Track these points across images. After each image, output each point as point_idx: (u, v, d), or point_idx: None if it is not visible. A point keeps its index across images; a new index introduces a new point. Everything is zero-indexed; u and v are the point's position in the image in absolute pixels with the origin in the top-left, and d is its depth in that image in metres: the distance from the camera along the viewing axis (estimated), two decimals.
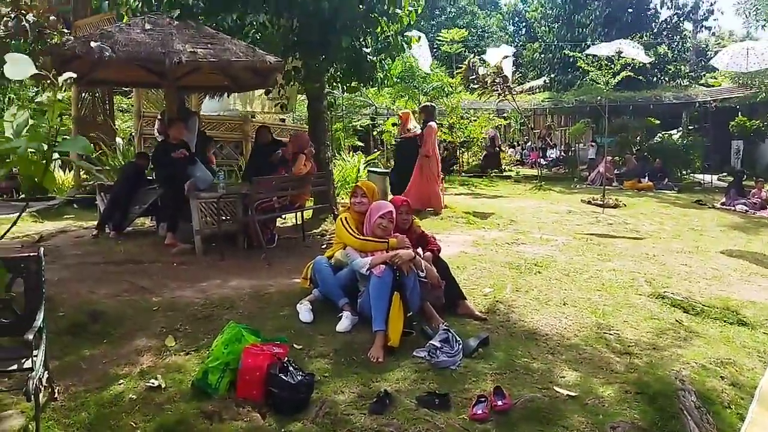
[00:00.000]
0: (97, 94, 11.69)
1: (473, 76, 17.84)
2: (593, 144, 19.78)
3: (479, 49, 26.66)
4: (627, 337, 4.10)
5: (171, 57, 5.57)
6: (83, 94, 11.32)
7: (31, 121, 1.41)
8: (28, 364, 2.68)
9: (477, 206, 10.19)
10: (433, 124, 8.91)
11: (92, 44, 5.16)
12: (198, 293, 4.60)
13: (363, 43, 7.26)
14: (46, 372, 2.92)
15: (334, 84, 8.31)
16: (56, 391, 3.05)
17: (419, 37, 10.28)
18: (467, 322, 4.19)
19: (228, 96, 10.02)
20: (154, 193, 6.74)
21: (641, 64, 12.79)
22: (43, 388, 2.80)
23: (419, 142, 8.91)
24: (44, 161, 1.31)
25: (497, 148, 18.39)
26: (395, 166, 9.97)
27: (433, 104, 10.17)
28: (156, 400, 3.02)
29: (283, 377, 3.03)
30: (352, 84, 8.14)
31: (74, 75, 1.56)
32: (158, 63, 5.80)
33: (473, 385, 3.28)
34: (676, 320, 4.49)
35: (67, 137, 1.43)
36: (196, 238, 5.96)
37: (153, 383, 3.15)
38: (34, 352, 2.70)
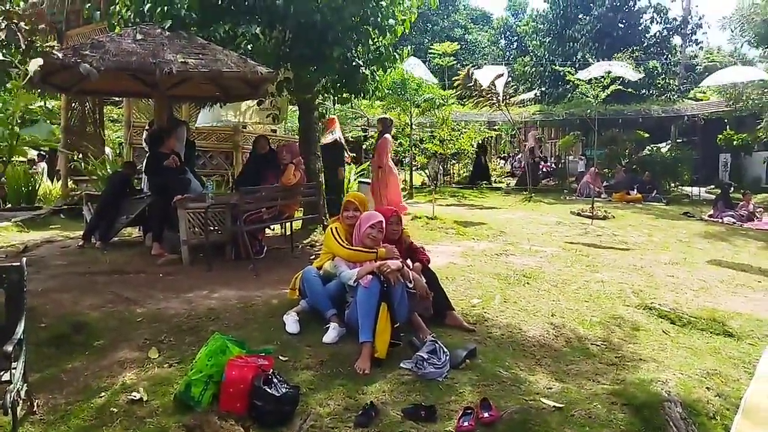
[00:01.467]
0: (87, 104, 11.65)
1: (470, 84, 18.02)
2: (582, 156, 19.92)
3: (471, 63, 26.85)
4: (614, 348, 4.11)
5: (161, 67, 5.56)
6: (73, 104, 11.29)
7: None
8: (6, 377, 2.65)
9: (467, 217, 10.21)
10: (388, 136, 8.88)
11: (80, 67, 5.15)
12: (184, 304, 4.55)
13: (355, 54, 7.29)
14: (25, 385, 2.87)
15: (326, 95, 8.33)
16: (35, 404, 3.00)
17: (410, 50, 10.30)
18: (455, 333, 4.17)
19: (221, 107, 10.02)
20: (142, 202, 6.70)
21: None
22: (21, 402, 2.76)
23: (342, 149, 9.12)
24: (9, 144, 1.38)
25: (536, 159, 18.52)
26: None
27: (390, 117, 10.17)
28: (138, 413, 2.98)
29: (268, 390, 3.00)
30: (344, 95, 8.16)
31: (41, 62, 1.63)
32: (149, 73, 5.79)
33: (460, 397, 3.26)
34: (663, 331, 4.50)
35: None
36: (183, 249, 5.92)
37: (135, 396, 3.11)
38: (13, 365, 2.66)
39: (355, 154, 18.08)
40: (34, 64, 1.57)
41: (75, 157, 9.96)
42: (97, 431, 2.85)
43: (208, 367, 3.12)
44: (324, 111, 11.63)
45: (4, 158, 1.42)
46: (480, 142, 17.77)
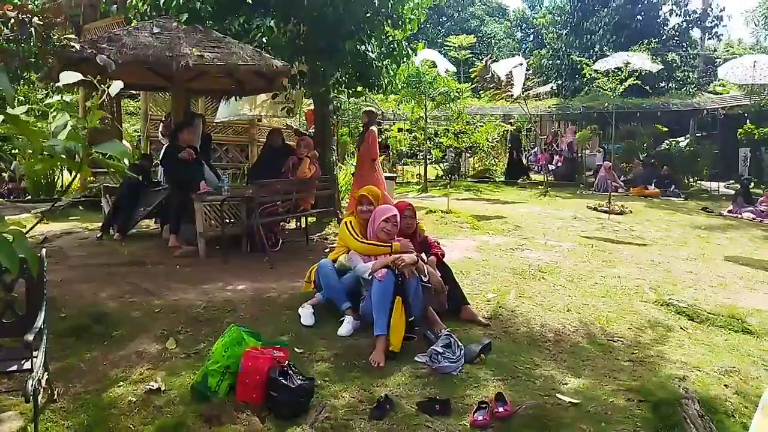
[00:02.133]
0: (105, 98, 11.75)
1: (488, 75, 17.84)
2: (600, 150, 19.70)
3: (487, 56, 26.65)
4: (631, 344, 4.07)
5: (178, 60, 5.60)
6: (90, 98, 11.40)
7: (70, 123, 1.55)
8: (27, 365, 2.69)
9: (482, 211, 10.16)
10: (374, 128, 8.81)
11: (98, 58, 5.20)
12: (200, 296, 4.59)
13: (368, 48, 7.27)
14: (46, 373, 2.91)
15: (340, 89, 8.32)
16: (56, 392, 3.05)
17: (425, 44, 10.26)
18: (470, 327, 4.17)
19: (236, 100, 10.08)
20: (159, 194, 6.76)
21: (648, 72, 12.75)
22: (42, 390, 2.80)
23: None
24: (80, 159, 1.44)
25: (574, 155, 18.35)
26: None
27: (374, 109, 10.08)
28: (155, 403, 3.02)
29: (283, 381, 3.02)
30: (358, 89, 8.14)
31: (122, 85, 1.67)
32: (165, 66, 5.84)
33: (474, 391, 3.26)
34: (681, 328, 4.45)
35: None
36: (199, 241, 5.96)
37: (153, 386, 3.14)
38: (34, 353, 2.70)
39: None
40: (116, 86, 1.61)
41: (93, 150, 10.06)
42: (115, 420, 2.89)
43: (224, 359, 3.14)
44: (339, 104, 11.63)
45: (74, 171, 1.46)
46: (515, 135, 17.58)
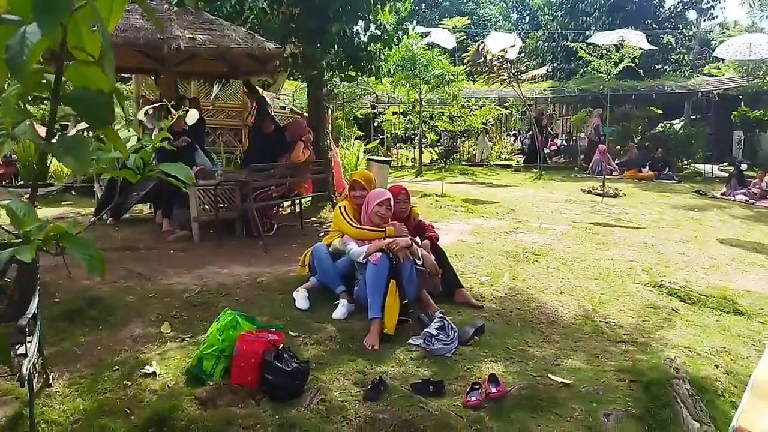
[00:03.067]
0: None
1: (480, 60, 17.67)
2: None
3: (482, 39, 26.45)
4: (623, 325, 4.11)
5: (169, 43, 5.54)
6: None
7: (134, 140, 1.65)
8: (22, 350, 2.68)
9: (476, 195, 10.17)
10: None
11: None
12: (195, 280, 4.60)
13: (358, 31, 7.18)
14: (41, 358, 2.92)
15: (332, 72, 8.25)
16: (51, 377, 3.05)
17: (414, 25, 10.13)
18: (464, 310, 4.19)
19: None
20: (152, 179, 6.71)
21: (643, 53, 12.70)
22: (37, 375, 2.80)
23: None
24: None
25: (600, 138, 18.26)
26: None
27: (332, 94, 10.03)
28: (151, 387, 3.03)
29: (278, 364, 3.03)
30: (350, 73, 8.07)
31: (197, 114, 1.84)
32: (157, 49, 5.77)
33: (468, 373, 3.29)
34: (673, 309, 4.49)
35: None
36: (193, 225, 5.95)
37: (148, 370, 3.15)
38: (29, 338, 2.70)
39: (363, 133, 17.96)
40: (192, 116, 1.71)
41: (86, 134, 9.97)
42: (111, 403, 2.89)
43: (219, 342, 3.15)
44: (333, 87, 11.52)
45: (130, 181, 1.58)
46: (535, 118, 17.46)
